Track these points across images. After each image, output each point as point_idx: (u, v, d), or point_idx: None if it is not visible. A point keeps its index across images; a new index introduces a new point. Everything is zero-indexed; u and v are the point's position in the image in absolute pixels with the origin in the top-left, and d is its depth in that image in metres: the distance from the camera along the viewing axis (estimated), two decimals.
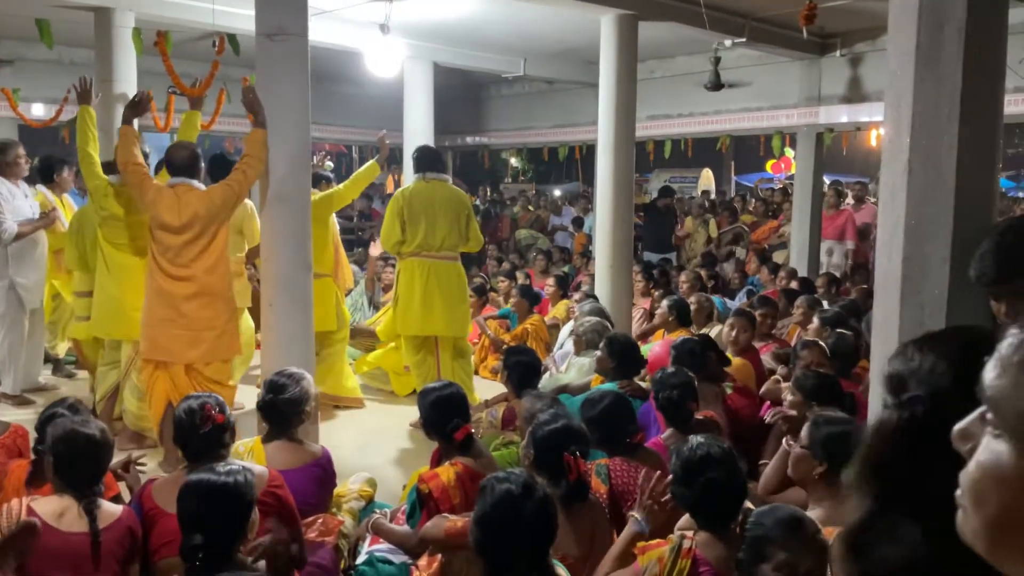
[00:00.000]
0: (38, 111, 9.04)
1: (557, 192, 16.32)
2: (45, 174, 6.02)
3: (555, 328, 7.32)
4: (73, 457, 2.65)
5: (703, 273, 8.15)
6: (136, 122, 5.04)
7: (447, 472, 3.21)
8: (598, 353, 4.61)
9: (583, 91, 10.55)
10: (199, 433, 2.89)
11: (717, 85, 8.31)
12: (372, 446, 5.43)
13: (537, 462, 2.69)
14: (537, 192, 17.22)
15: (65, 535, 2.59)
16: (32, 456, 3.18)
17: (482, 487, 2.29)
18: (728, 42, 7.85)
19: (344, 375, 6.14)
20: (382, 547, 3.32)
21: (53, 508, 2.62)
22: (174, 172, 4.59)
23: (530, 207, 13.96)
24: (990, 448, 0.74)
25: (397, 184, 14.24)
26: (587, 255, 10.35)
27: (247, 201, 5.78)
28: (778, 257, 9.59)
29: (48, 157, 6.00)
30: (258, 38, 4.99)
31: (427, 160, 5.64)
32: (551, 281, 8.08)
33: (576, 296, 7.38)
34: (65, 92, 7.77)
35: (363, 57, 8.25)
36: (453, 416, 3.34)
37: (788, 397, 3.62)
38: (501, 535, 2.17)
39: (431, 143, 9.49)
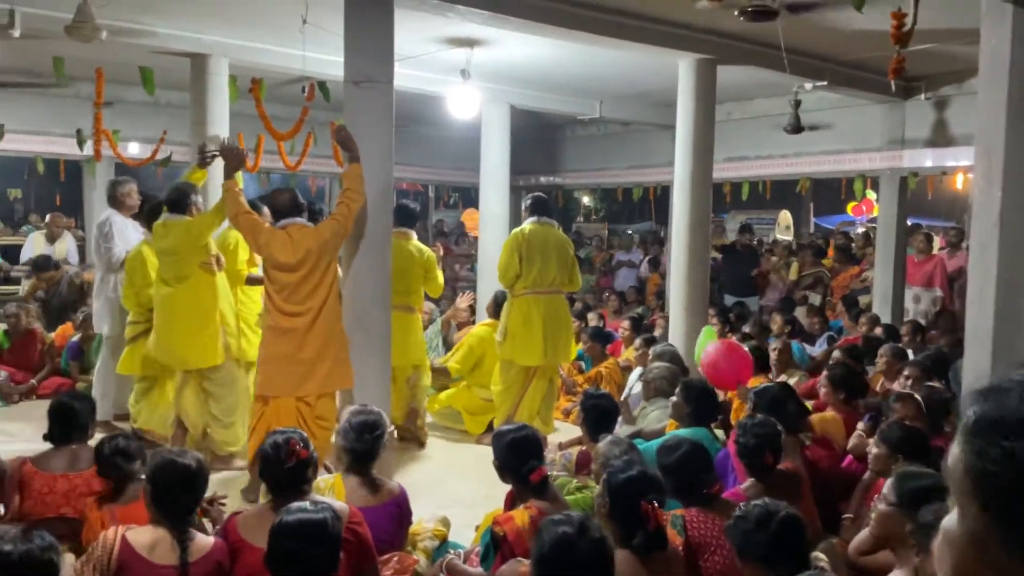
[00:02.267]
0: (134, 150, 9.51)
1: (630, 231, 16.26)
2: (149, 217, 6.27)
3: (628, 371, 7.27)
4: (170, 487, 2.76)
5: (779, 318, 8.00)
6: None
7: (521, 516, 3.21)
8: (672, 399, 4.56)
9: (659, 132, 10.56)
10: (284, 467, 2.97)
11: (797, 128, 8.23)
12: (445, 485, 5.46)
13: (613, 511, 2.68)
14: (610, 232, 17.20)
15: (156, 567, 2.68)
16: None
17: (539, 529, 2.37)
18: (808, 85, 7.78)
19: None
20: None
21: (147, 540, 2.72)
22: (280, 215, 4.77)
23: (604, 248, 13.96)
24: (949, 515, 0.82)
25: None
26: (662, 296, 10.28)
27: None
28: (863, 301, 9.36)
29: (148, 202, 6.33)
30: (346, 85, 5.18)
31: (540, 205, 6.14)
32: (626, 323, 8.03)
33: (636, 343, 7.30)
34: (161, 133, 8.20)
35: (443, 100, 8.46)
36: (528, 458, 3.35)
37: (873, 451, 3.52)
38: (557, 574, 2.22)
39: (507, 183, 9.67)
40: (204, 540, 2.83)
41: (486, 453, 6.09)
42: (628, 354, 7.61)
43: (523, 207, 6.32)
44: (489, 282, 8.20)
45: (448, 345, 8.76)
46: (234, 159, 4.87)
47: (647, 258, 12.32)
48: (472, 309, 9.43)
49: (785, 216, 14.78)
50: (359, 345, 5.20)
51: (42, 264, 8.55)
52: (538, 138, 12.28)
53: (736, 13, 4.97)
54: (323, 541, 2.31)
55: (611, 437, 3.63)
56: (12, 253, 10.57)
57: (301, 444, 3.02)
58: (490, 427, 6.54)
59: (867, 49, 7.01)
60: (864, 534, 3.25)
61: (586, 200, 22.06)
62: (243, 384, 5.58)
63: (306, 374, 4.62)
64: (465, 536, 4.16)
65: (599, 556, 2.26)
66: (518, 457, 3.35)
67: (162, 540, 2.73)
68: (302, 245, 4.63)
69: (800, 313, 8.97)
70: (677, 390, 4.53)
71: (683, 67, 7.00)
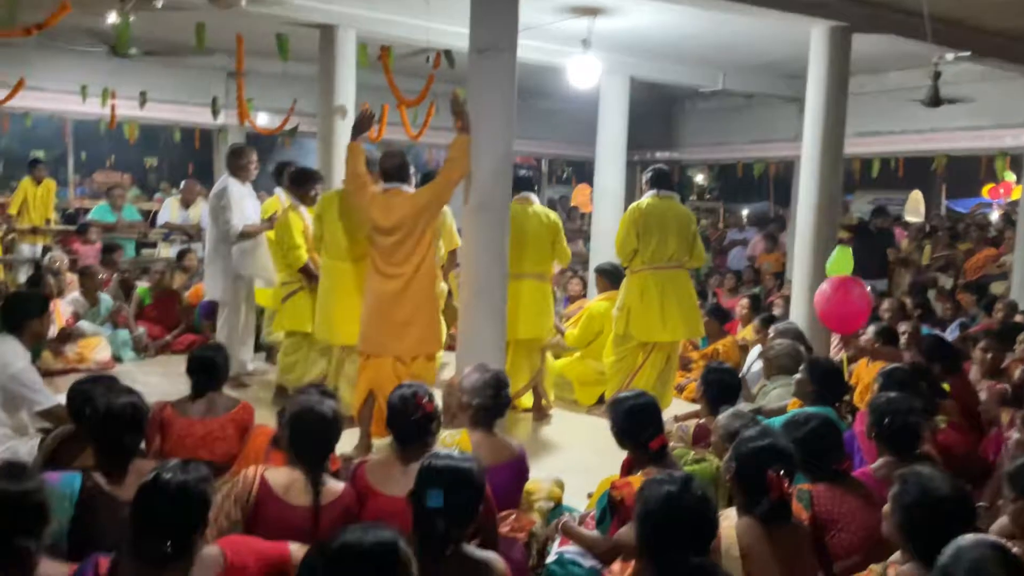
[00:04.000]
0: (263, 120, 9.88)
1: (745, 211, 15.83)
2: (293, 181, 6.46)
3: (745, 350, 7.10)
4: (306, 431, 2.88)
5: (908, 301, 7.63)
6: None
7: (639, 481, 3.18)
8: (796, 377, 4.42)
9: (783, 105, 10.20)
10: (409, 419, 3.05)
11: (936, 101, 7.75)
12: (557, 453, 5.50)
13: (738, 477, 2.63)
14: (725, 210, 16.80)
15: (290, 506, 2.80)
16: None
17: (641, 487, 2.39)
18: (950, 56, 7.33)
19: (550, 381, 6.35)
20: (571, 549, 3.35)
21: (283, 480, 2.84)
22: (386, 178, 4.89)
23: (719, 225, 13.65)
24: None
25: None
26: (779, 276, 9.97)
27: (445, 207, 6.08)
28: (996, 289, 8.82)
29: (298, 169, 6.52)
30: (471, 54, 5.22)
31: (661, 178, 6.02)
32: (744, 301, 7.83)
33: (755, 323, 7.09)
34: (290, 104, 8.49)
35: (559, 73, 8.40)
36: (647, 425, 3.32)
37: (1015, 436, 3.32)
38: (661, 532, 2.26)
39: (623, 157, 9.54)
40: (335, 485, 2.94)
41: (597, 424, 6.19)
42: (746, 333, 7.43)
43: (643, 180, 6.21)
44: (603, 258, 8.12)
45: (557, 316, 8.78)
46: (364, 122, 5.00)
47: (762, 235, 11.96)
48: (583, 281, 9.42)
49: (916, 197, 14.01)
50: (477, 314, 5.27)
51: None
52: (656, 112, 12.06)
53: None
54: (468, 489, 2.36)
55: (732, 409, 3.55)
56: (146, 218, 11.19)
57: (427, 398, 3.09)
58: (601, 399, 6.53)
59: (1017, 17, 6.54)
60: (1000, 524, 3.08)
61: (699, 178, 21.60)
62: None
63: (399, 334, 4.74)
64: (578, 503, 4.16)
65: (703, 513, 2.28)
66: (637, 423, 3.33)
67: (297, 482, 2.84)
68: (398, 210, 4.73)
69: (931, 297, 8.54)
70: (801, 367, 4.39)
71: (815, 35, 6.71)
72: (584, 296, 9.22)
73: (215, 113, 8.12)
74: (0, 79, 8.41)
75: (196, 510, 2.26)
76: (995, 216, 13.87)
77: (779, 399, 4.54)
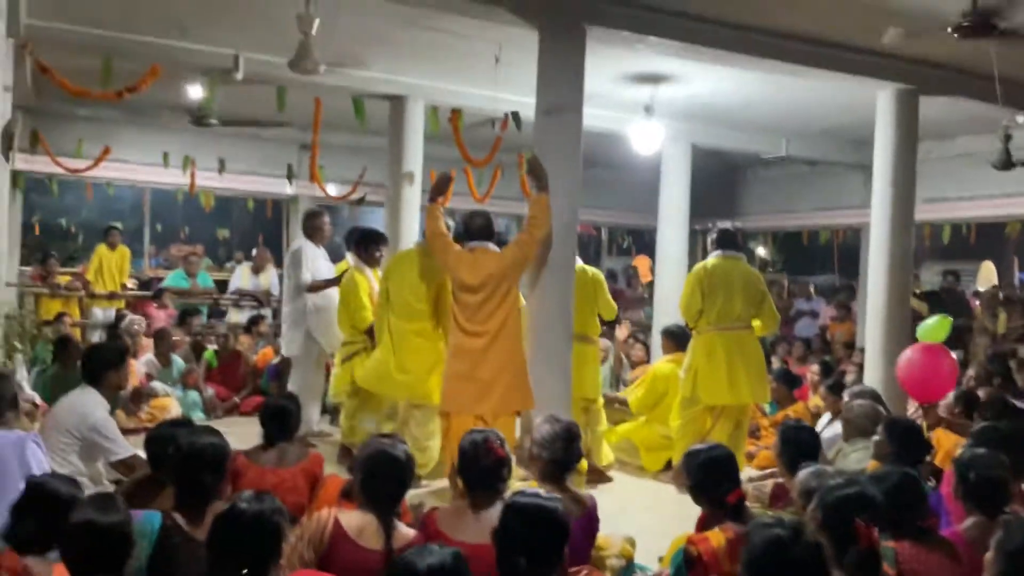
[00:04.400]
0: (332, 190, 10.19)
1: (812, 282, 15.55)
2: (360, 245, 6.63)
3: (817, 416, 6.90)
4: (379, 474, 2.87)
5: (989, 368, 7.35)
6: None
7: (718, 537, 3.09)
8: (875, 438, 4.28)
9: (848, 172, 10.13)
10: (480, 465, 3.03)
11: (1007, 164, 7.61)
12: (624, 516, 5.35)
13: (824, 527, 2.53)
14: (790, 282, 16.55)
15: (363, 550, 2.78)
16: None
17: (748, 532, 2.24)
18: (1021, 118, 7.23)
19: (601, 442, 6.23)
20: None
21: (356, 523, 2.83)
22: (472, 236, 4.97)
23: (783, 295, 13.45)
24: None
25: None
26: (850, 346, 9.74)
27: None
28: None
29: (364, 230, 6.73)
30: (537, 115, 5.35)
31: (726, 238, 5.99)
32: (815, 367, 7.69)
33: (822, 391, 6.91)
34: (357, 175, 8.75)
35: (620, 141, 8.51)
36: (724, 479, 3.24)
37: None
38: None
39: (686, 224, 9.55)
40: (406, 530, 2.91)
41: (664, 489, 6.06)
42: (817, 400, 7.24)
43: (709, 240, 6.20)
44: (666, 323, 8.06)
45: (622, 383, 8.68)
46: (442, 184, 5.14)
47: (834, 304, 11.74)
48: (646, 346, 9.33)
49: (988, 268, 13.64)
50: (541, 373, 5.25)
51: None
52: (718, 180, 12.05)
53: (949, 29, 4.72)
54: (554, 528, 2.31)
55: (814, 468, 3.44)
56: (219, 287, 11.52)
57: (498, 443, 3.07)
58: (668, 465, 6.39)
59: None
60: None
61: (761, 251, 21.40)
62: None
63: (483, 392, 4.73)
64: (647, 566, 4.04)
65: (815, 562, 2.12)
66: (713, 478, 3.25)
67: (369, 525, 2.83)
68: (484, 268, 4.79)
69: (1013, 366, 8.21)
70: (879, 428, 4.25)
71: (882, 98, 6.70)
72: (647, 362, 9.12)
73: (290, 179, 8.44)
74: (88, 152, 8.87)
75: (271, 540, 2.27)
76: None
77: (858, 463, 4.38)
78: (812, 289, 13.91)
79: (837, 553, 2.52)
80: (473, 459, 3.07)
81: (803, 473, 3.41)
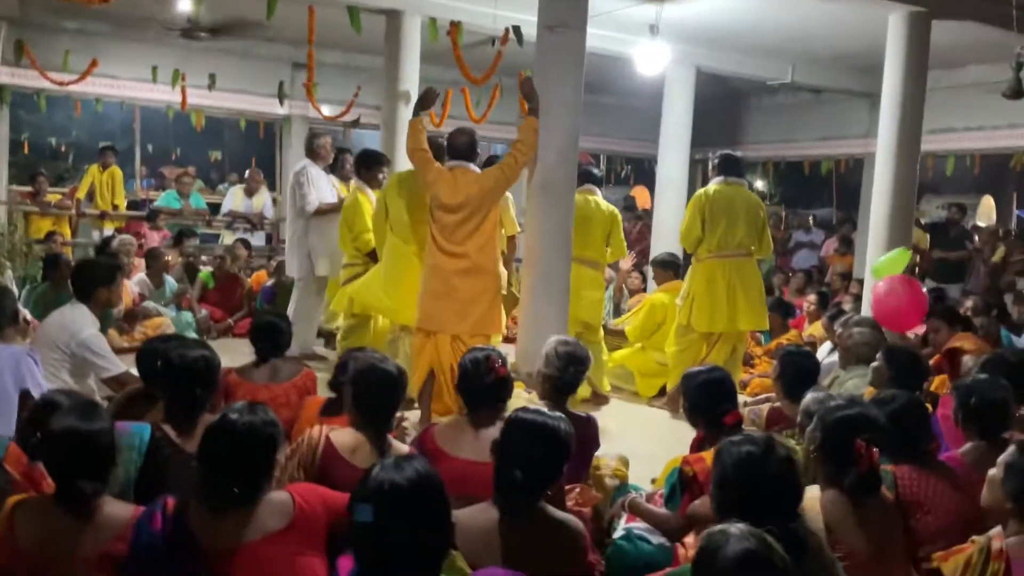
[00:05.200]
0: (326, 111, 9.95)
1: (812, 216, 15.44)
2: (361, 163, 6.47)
3: (811, 346, 6.89)
4: (371, 390, 2.82)
5: (982, 302, 7.31)
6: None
7: (713, 457, 3.07)
8: (874, 365, 4.24)
9: (853, 101, 9.93)
10: (483, 383, 2.98)
11: (1018, 92, 7.43)
12: (617, 442, 5.35)
13: (824, 447, 2.50)
14: (787, 214, 16.44)
15: (356, 469, 2.72)
16: (331, 392, 3.46)
17: (719, 451, 2.21)
18: None
19: (603, 369, 6.23)
20: (639, 525, 3.24)
21: (348, 441, 2.79)
22: (453, 155, 4.84)
23: (781, 227, 13.36)
24: None
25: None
26: (847, 278, 9.70)
27: (506, 192, 6.04)
28: None
29: (365, 152, 6.59)
30: (539, 31, 5.17)
31: (729, 164, 5.85)
32: (812, 298, 7.66)
33: (824, 320, 6.89)
34: (352, 94, 8.54)
35: (622, 65, 8.29)
36: (722, 400, 3.22)
37: None
38: (743, 496, 2.09)
39: (687, 152, 9.40)
40: (401, 447, 2.88)
41: (658, 415, 6.07)
42: (813, 330, 7.24)
43: (711, 166, 6.07)
44: (665, 250, 7.98)
45: (620, 311, 8.65)
46: (427, 99, 4.98)
47: (837, 236, 11.68)
48: (643, 275, 9.28)
49: (988, 203, 13.52)
50: (540, 294, 5.20)
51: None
52: (721, 108, 11.82)
53: None
54: (555, 445, 2.27)
55: (819, 392, 3.40)
56: (212, 210, 11.36)
57: (500, 361, 3.01)
58: (662, 391, 6.40)
59: None
60: None
61: (759, 184, 21.20)
62: None
63: (460, 313, 4.68)
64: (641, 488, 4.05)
65: (788, 476, 2.11)
66: (710, 398, 3.22)
67: (363, 444, 2.79)
68: (464, 189, 4.67)
69: (1008, 301, 8.20)
70: (879, 355, 4.21)
71: (893, 21, 6.51)
72: (644, 291, 9.09)
73: (281, 97, 8.20)
74: (75, 65, 8.62)
75: (263, 452, 2.22)
76: None
77: (855, 389, 4.35)
78: (811, 220, 13.82)
79: (836, 474, 2.50)
80: (475, 377, 3.02)
81: (808, 396, 3.37)
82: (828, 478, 2.50)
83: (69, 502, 2.18)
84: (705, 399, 3.22)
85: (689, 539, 2.76)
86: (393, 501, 1.62)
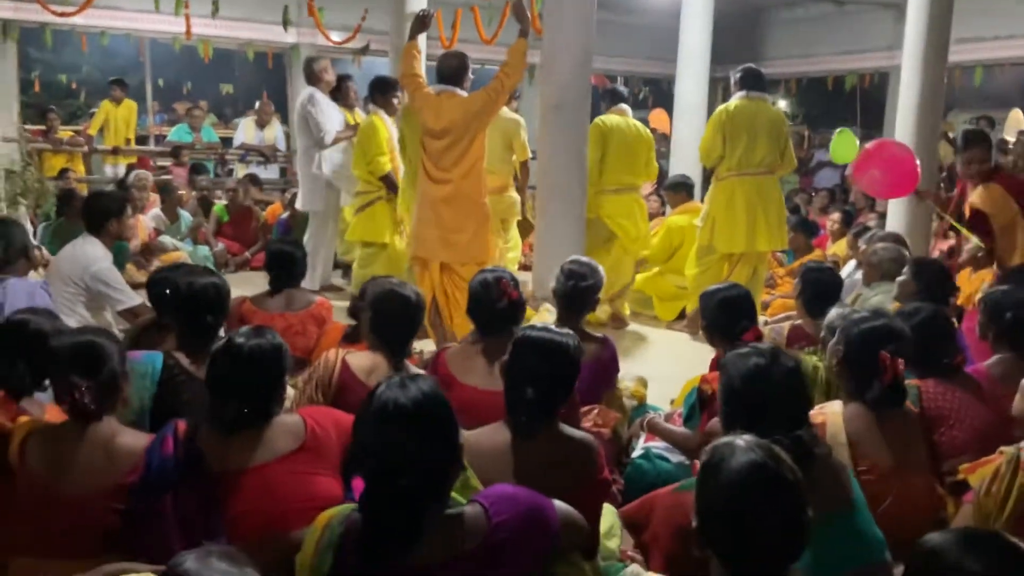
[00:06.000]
0: (333, 37, 9.71)
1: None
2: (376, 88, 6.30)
3: (835, 265, 6.77)
4: (389, 314, 2.78)
5: None
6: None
7: None
8: (900, 279, 4.15)
9: (876, 12, 9.56)
10: (494, 307, 2.92)
11: None
12: (637, 364, 5.34)
13: (847, 359, 2.43)
14: (810, 133, 16.07)
15: None
16: (350, 320, 3.43)
17: (722, 363, 2.16)
18: None
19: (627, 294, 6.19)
20: (658, 445, 3.23)
21: (365, 364, 2.76)
22: (441, 79, 4.69)
23: (804, 146, 13.07)
24: None
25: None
26: (871, 197, 9.48)
27: (517, 116, 5.90)
28: None
29: (379, 77, 6.40)
30: None
31: (751, 79, 5.69)
32: (835, 216, 7.51)
33: (849, 237, 6.76)
34: (360, 17, 8.29)
35: None
36: (741, 318, 3.15)
37: None
38: (750, 408, 2.04)
39: (707, 71, 9.13)
40: (416, 372, 2.84)
41: (678, 337, 6.03)
42: (836, 249, 7.11)
43: (732, 81, 5.87)
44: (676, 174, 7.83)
45: None
46: (421, 23, 4.82)
47: None
48: (661, 198, 9.12)
49: (1016, 115, 13.10)
50: (555, 215, 5.11)
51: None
52: (740, 25, 11.43)
53: None
54: (562, 363, 2.22)
55: (843, 308, 3.32)
56: (225, 144, 11.26)
57: (512, 284, 2.95)
58: (682, 314, 6.35)
59: None
60: None
61: (782, 104, 20.70)
62: None
63: (444, 240, 4.59)
64: (660, 408, 4.02)
65: (795, 386, 2.05)
66: (729, 316, 3.16)
67: (379, 366, 2.76)
68: (448, 113, 4.53)
69: None
70: (906, 268, 4.12)
71: None
72: (663, 214, 8.95)
73: (286, 24, 7.96)
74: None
75: (271, 372, 2.19)
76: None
77: (880, 306, 4.26)
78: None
79: (859, 387, 2.45)
80: (485, 300, 2.96)
81: (832, 312, 3.29)
82: (851, 392, 2.45)
83: (72, 408, 2.15)
84: (723, 317, 3.16)
85: None
86: (397, 420, 1.57)
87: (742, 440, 1.53)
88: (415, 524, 1.55)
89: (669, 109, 14.62)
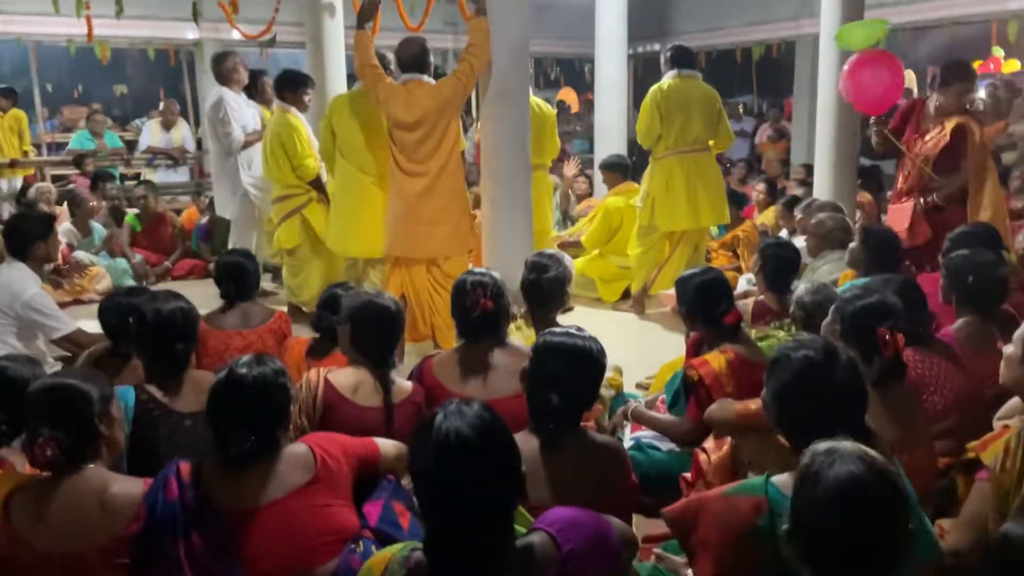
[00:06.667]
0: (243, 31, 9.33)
1: (742, 102, 15.44)
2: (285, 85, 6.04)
3: (766, 235, 6.93)
4: (369, 326, 2.67)
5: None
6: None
7: (717, 359, 3.04)
8: (851, 246, 4.25)
9: None
10: (469, 315, 2.83)
11: None
12: None
13: (846, 338, 2.45)
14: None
15: (360, 408, 2.61)
16: (313, 333, 3.29)
17: (775, 359, 2.04)
18: None
19: None
20: (646, 434, 3.22)
21: (349, 381, 2.65)
22: (404, 68, 4.55)
23: None
24: None
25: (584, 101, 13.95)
26: (786, 164, 9.76)
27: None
28: (1008, 159, 8.66)
29: (287, 73, 6.08)
30: None
31: (682, 57, 5.71)
32: (760, 187, 7.67)
33: (779, 208, 6.92)
34: (272, 13, 7.94)
35: None
36: (719, 300, 3.16)
37: None
38: (807, 407, 1.93)
39: (624, 48, 9.15)
40: (404, 383, 2.76)
41: (624, 319, 6.06)
42: (764, 218, 7.27)
43: (662, 60, 5.89)
44: (608, 154, 7.83)
45: (570, 219, 8.54)
46: (370, 8, 4.63)
47: (770, 124, 11.72)
48: (588, 179, 9.14)
49: (909, 76, 13.69)
50: (502, 205, 5.01)
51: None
52: (651, 2, 11.51)
53: None
54: (587, 366, 2.16)
55: (811, 283, 3.37)
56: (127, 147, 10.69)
57: (491, 293, 2.82)
58: (626, 294, 6.38)
59: None
60: None
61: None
62: None
63: (425, 236, 4.49)
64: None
65: (855, 382, 1.95)
66: (709, 299, 3.16)
67: (364, 382, 2.65)
68: (420, 103, 4.41)
69: None
70: (856, 236, 4.22)
71: None
72: (591, 195, 8.97)
73: (196, 17, 7.55)
74: None
75: (278, 402, 2.07)
76: (982, 93, 13.58)
77: (829, 275, 4.37)
78: (741, 109, 13.83)
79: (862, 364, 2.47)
80: (461, 308, 2.88)
81: (801, 287, 3.34)
82: None
83: (39, 460, 1.99)
84: (703, 301, 3.16)
85: (709, 443, 2.72)
86: (461, 450, 1.47)
87: (843, 447, 1.48)
88: (488, 560, 1.46)
89: (579, 88, 14.70)
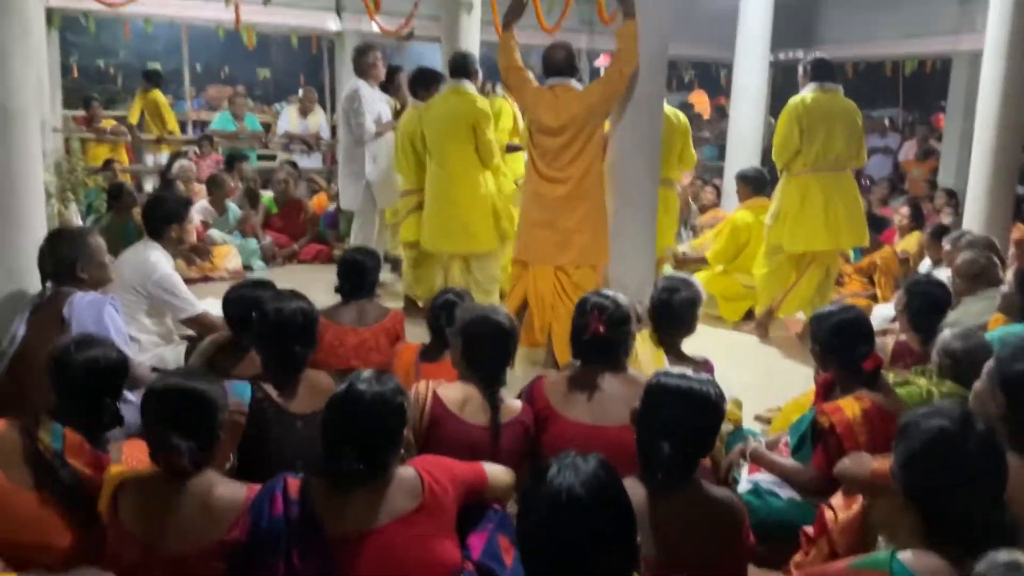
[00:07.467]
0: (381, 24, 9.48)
1: (888, 116, 14.64)
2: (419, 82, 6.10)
3: (907, 263, 6.50)
4: (481, 343, 2.60)
5: None
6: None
7: (852, 406, 2.81)
8: (1002, 289, 3.89)
9: None
10: (583, 338, 2.72)
11: None
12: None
13: (1013, 410, 2.17)
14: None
15: (467, 425, 2.55)
16: (427, 331, 3.25)
17: (904, 424, 1.88)
18: None
19: None
20: (765, 478, 3.02)
21: (457, 396, 2.58)
22: (552, 72, 4.44)
23: None
24: None
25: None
26: (933, 186, 9.16)
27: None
28: None
29: (421, 70, 6.14)
30: None
31: (823, 69, 5.44)
32: (904, 210, 7.17)
33: (925, 237, 6.42)
34: (412, 4, 8.02)
35: None
36: (859, 343, 2.92)
37: None
38: (937, 480, 1.77)
39: (766, 55, 8.80)
40: (512, 402, 2.67)
41: (746, 341, 5.79)
42: (906, 245, 6.80)
43: (800, 73, 5.59)
44: (740, 165, 7.53)
45: (691, 229, 8.28)
46: (517, 8, 4.50)
47: (918, 141, 11.04)
48: (716, 188, 8.84)
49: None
50: (625, 219, 4.85)
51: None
52: (795, 5, 11.01)
53: None
54: (703, 414, 2.02)
55: (960, 329, 3.08)
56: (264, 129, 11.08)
57: (609, 316, 2.70)
58: (748, 314, 6.11)
59: None
60: None
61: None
62: (503, 253, 5.48)
63: (564, 243, 4.35)
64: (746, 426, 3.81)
65: (992, 456, 1.78)
66: (847, 342, 2.92)
67: (472, 398, 2.58)
68: (567, 109, 4.28)
69: None
70: (1008, 279, 3.86)
71: None
72: (718, 205, 8.67)
73: (339, 10, 7.73)
74: None
75: (393, 424, 2.00)
76: None
77: (980, 316, 4.01)
78: (887, 123, 13.09)
79: (1020, 431, 2.21)
80: (576, 326, 2.77)
81: (947, 333, 3.06)
82: (1016, 441, 2.19)
83: (167, 466, 2.01)
84: (841, 343, 2.92)
85: (837, 500, 2.51)
86: (572, 510, 1.36)
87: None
88: None
89: (711, 92, 14.24)
